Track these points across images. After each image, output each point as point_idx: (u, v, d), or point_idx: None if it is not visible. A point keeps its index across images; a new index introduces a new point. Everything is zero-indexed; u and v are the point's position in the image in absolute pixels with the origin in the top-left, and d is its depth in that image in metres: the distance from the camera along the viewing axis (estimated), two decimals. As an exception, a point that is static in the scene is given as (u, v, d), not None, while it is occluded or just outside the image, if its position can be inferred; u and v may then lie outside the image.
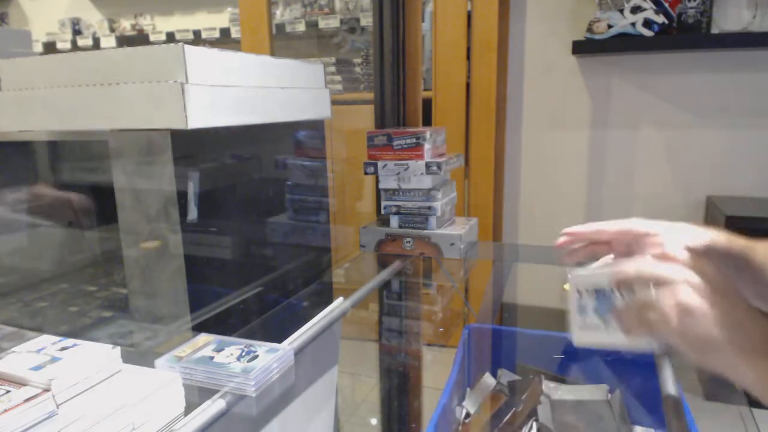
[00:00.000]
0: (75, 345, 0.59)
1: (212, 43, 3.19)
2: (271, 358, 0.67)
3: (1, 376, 0.53)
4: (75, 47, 3.50)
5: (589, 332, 0.69)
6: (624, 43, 2.07)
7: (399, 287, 1.34)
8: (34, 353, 0.57)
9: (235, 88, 0.82)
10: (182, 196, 0.76)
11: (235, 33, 3.09)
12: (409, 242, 1.26)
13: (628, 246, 0.72)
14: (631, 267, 0.57)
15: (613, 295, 0.63)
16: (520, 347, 1.06)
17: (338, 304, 0.94)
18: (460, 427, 0.93)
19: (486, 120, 2.25)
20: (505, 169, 2.46)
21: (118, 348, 0.59)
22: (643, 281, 0.56)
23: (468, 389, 1.01)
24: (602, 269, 0.66)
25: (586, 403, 0.93)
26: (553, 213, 2.41)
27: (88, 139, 0.86)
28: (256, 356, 0.67)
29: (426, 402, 1.24)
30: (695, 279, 0.52)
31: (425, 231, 1.25)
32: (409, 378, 1.29)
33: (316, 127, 1.11)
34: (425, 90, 2.07)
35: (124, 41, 3.44)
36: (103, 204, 0.95)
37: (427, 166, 1.22)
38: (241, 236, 0.93)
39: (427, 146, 1.22)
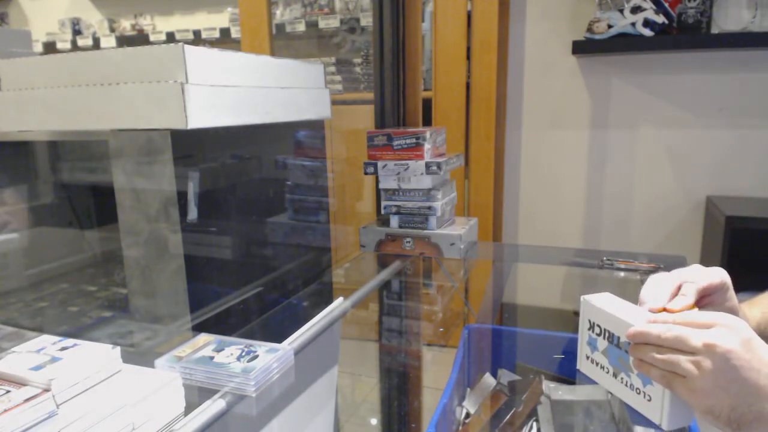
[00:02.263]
0: (75, 345, 0.59)
1: (212, 43, 3.19)
2: (271, 358, 0.67)
3: (1, 376, 0.53)
4: (75, 47, 3.50)
5: (594, 368, 0.68)
6: (624, 43, 2.06)
7: (399, 287, 1.33)
8: (34, 353, 0.57)
9: (235, 88, 0.82)
10: (182, 196, 0.76)
11: (235, 33, 3.09)
12: (409, 242, 1.26)
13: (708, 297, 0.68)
14: (653, 331, 0.56)
15: (627, 354, 0.61)
16: (520, 347, 1.06)
17: (338, 304, 0.94)
18: (460, 427, 0.93)
19: (486, 120, 2.25)
20: (505, 169, 2.46)
21: (118, 348, 0.59)
22: (665, 345, 0.55)
23: (468, 389, 1.01)
24: (617, 312, 0.63)
25: (586, 403, 0.93)
26: (553, 213, 2.41)
27: (88, 139, 0.86)
28: (256, 356, 0.67)
29: (426, 402, 1.24)
30: (726, 344, 0.51)
31: (425, 231, 1.25)
32: (409, 378, 1.28)
33: (316, 127, 1.11)
34: (425, 90, 2.07)
35: (124, 41, 3.44)
36: (103, 204, 0.95)
37: (427, 166, 1.22)
38: (241, 236, 0.93)
39: (427, 146, 1.22)
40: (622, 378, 0.64)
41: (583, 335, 0.69)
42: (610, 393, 0.68)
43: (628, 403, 0.64)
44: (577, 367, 0.71)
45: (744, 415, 0.51)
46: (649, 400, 0.60)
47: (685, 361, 0.53)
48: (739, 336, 0.51)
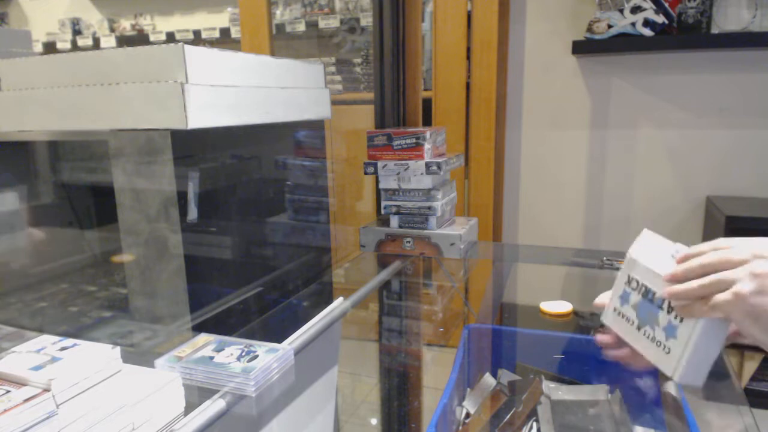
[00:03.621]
0: (75, 345, 0.59)
1: (212, 43, 3.19)
2: (271, 358, 0.67)
3: (1, 376, 0.53)
4: (75, 47, 3.50)
5: (619, 320, 0.71)
6: (624, 43, 2.06)
7: (399, 287, 1.34)
8: (34, 353, 0.57)
9: (235, 88, 0.82)
10: (182, 196, 0.76)
11: (235, 33, 3.10)
12: (409, 242, 1.26)
13: None
14: (686, 288, 0.58)
15: (659, 309, 0.64)
16: (520, 347, 1.06)
17: (338, 304, 0.94)
18: (460, 427, 0.93)
19: (486, 120, 2.25)
20: (505, 169, 2.46)
21: (118, 348, 0.59)
22: (708, 269, 0.57)
23: (468, 389, 1.01)
24: (659, 268, 0.66)
25: (586, 403, 0.93)
26: (553, 213, 2.41)
27: (88, 139, 0.86)
28: (256, 356, 0.67)
29: (426, 402, 1.24)
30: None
31: (425, 231, 1.25)
32: (409, 378, 1.28)
33: (316, 127, 1.11)
34: (425, 90, 2.07)
35: (124, 41, 3.44)
36: (102, 204, 0.95)
37: (427, 166, 1.22)
38: (241, 236, 0.93)
39: (427, 146, 1.22)
40: (645, 331, 0.66)
41: (618, 289, 0.72)
42: (632, 344, 0.70)
43: (644, 354, 0.66)
44: (601, 319, 0.74)
45: None
46: (668, 352, 0.62)
47: (731, 273, 0.55)
48: None
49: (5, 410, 0.48)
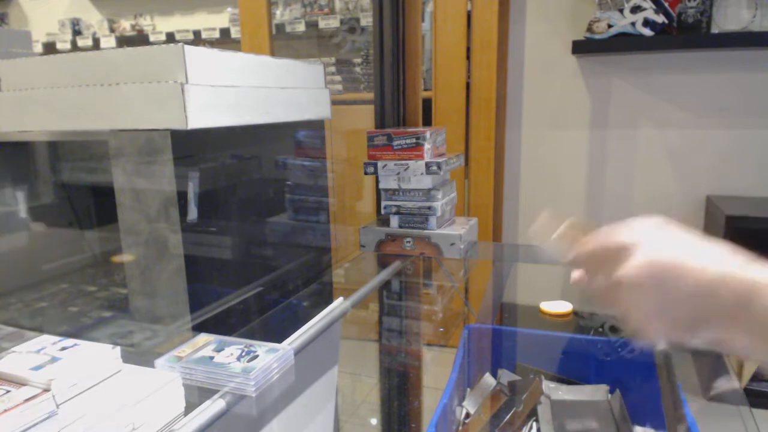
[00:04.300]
0: (75, 345, 0.59)
1: (212, 43, 3.19)
2: (271, 358, 0.67)
3: (1, 376, 0.53)
4: (75, 47, 3.50)
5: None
6: (624, 43, 2.06)
7: (399, 287, 1.34)
8: (34, 353, 0.57)
9: (235, 88, 0.82)
10: (182, 196, 0.76)
11: (235, 33, 3.10)
12: (409, 242, 1.26)
13: None
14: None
15: None
16: (520, 347, 1.06)
17: (338, 304, 0.94)
18: (460, 427, 0.93)
19: (486, 120, 2.25)
20: (505, 169, 2.45)
21: (118, 348, 0.59)
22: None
23: (468, 389, 1.01)
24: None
25: (586, 403, 0.93)
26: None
27: (88, 139, 0.86)
28: (256, 356, 0.67)
29: (426, 402, 1.24)
30: (630, 275, 0.50)
31: (425, 231, 1.25)
32: (409, 378, 1.29)
33: (316, 127, 1.11)
34: (425, 90, 2.07)
35: (124, 41, 3.44)
36: (102, 204, 0.95)
37: (427, 166, 1.22)
38: (241, 236, 0.93)
39: (427, 146, 1.22)
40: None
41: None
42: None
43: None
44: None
45: (698, 320, 0.49)
46: None
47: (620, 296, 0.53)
48: (645, 258, 0.51)
49: (5, 410, 0.48)
